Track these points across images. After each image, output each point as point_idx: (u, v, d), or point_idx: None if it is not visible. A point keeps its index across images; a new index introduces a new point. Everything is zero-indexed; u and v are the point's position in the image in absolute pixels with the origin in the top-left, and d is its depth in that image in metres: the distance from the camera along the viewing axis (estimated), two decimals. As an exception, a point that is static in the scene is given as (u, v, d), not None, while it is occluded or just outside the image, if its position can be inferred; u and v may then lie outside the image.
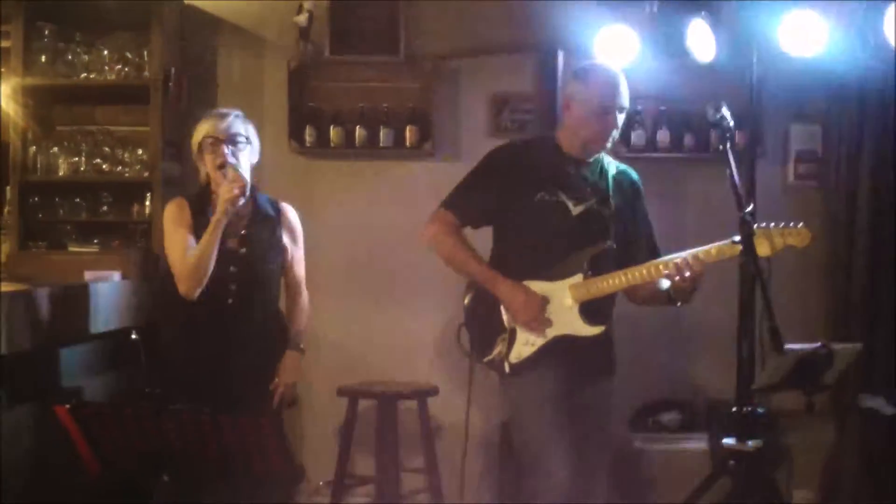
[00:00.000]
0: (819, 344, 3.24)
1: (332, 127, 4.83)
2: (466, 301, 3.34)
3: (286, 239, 3.57)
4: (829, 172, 4.88)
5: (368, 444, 4.60)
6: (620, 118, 3.26)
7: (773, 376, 3.24)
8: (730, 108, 3.27)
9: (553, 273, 3.21)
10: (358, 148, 4.85)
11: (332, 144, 4.84)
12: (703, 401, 4.79)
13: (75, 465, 2.65)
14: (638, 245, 3.35)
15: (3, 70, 4.76)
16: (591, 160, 3.33)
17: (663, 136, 4.83)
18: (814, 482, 4.65)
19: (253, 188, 3.50)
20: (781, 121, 4.93)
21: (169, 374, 3.52)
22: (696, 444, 4.60)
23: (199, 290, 3.36)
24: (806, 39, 4.20)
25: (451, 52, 4.94)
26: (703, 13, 4.36)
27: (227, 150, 3.39)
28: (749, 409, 3.64)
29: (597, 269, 3.21)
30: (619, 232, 3.29)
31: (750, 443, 3.53)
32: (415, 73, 4.90)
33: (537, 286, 3.21)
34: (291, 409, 3.69)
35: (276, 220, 3.55)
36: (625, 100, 3.26)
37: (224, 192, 3.31)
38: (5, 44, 4.68)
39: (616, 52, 4.42)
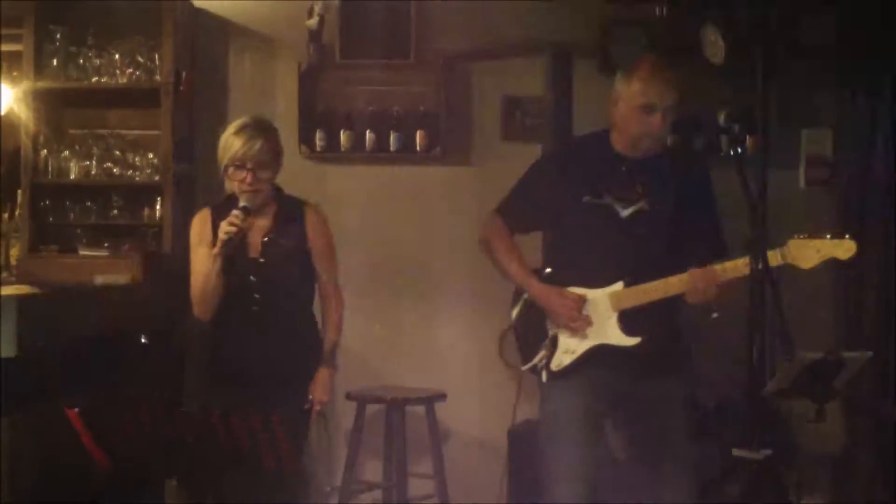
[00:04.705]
0: (828, 352, 3.21)
1: (342, 131, 4.81)
2: (518, 307, 3.31)
3: (309, 244, 3.48)
4: (841, 177, 4.85)
5: (377, 450, 4.59)
6: (667, 117, 3.12)
7: (782, 382, 3.22)
8: (740, 112, 3.25)
9: (594, 280, 3.15)
10: (368, 152, 4.82)
11: (342, 148, 4.82)
12: (711, 403, 4.75)
13: (84, 467, 2.66)
14: (698, 241, 3.20)
15: (14, 73, 4.79)
16: (647, 157, 3.18)
17: (673, 139, 4.80)
18: (823, 489, 4.62)
19: (279, 191, 3.48)
20: (792, 124, 4.90)
21: (192, 379, 3.51)
22: (704, 447, 4.56)
23: (208, 314, 3.36)
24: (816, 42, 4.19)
25: (462, 55, 4.92)
26: (714, 15, 4.35)
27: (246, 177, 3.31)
28: (759, 415, 3.61)
29: (642, 274, 3.10)
30: (678, 231, 3.15)
31: (760, 451, 3.48)
32: (426, 76, 4.87)
33: (578, 293, 3.16)
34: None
35: (299, 226, 3.46)
36: (670, 98, 3.10)
37: (220, 231, 3.27)
38: (17, 47, 4.72)
39: (626, 54, 4.40)
